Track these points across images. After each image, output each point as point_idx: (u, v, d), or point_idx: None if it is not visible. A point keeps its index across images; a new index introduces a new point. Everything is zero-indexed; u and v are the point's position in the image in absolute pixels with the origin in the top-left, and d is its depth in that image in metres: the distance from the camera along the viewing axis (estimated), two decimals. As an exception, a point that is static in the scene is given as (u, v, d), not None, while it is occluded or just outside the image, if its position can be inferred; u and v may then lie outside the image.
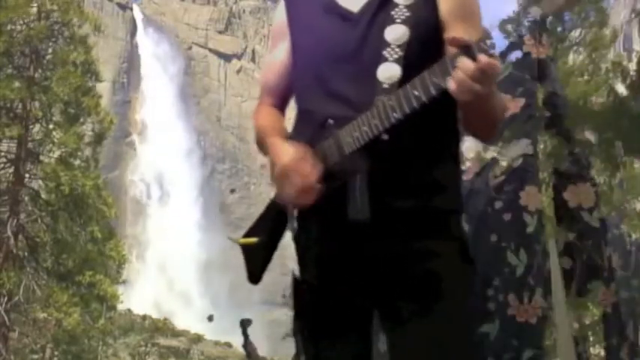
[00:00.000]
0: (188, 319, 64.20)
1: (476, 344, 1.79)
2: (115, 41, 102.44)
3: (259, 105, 2.10)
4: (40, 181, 22.23)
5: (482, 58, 1.53)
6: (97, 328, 22.64)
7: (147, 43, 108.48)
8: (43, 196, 21.87)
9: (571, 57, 19.81)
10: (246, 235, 2.04)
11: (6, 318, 20.43)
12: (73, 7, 22.80)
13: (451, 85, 1.57)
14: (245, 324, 12.05)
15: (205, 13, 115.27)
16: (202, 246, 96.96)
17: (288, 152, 1.78)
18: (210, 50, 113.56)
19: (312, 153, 1.77)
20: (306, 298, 2.02)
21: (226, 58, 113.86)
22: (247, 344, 12.25)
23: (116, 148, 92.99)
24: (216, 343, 59.81)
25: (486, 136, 1.94)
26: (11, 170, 22.26)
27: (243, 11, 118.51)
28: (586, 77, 18.67)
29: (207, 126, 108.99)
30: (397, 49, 1.76)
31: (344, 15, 1.84)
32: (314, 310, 1.97)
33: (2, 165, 22.60)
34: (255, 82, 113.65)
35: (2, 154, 22.61)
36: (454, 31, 1.75)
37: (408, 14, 1.78)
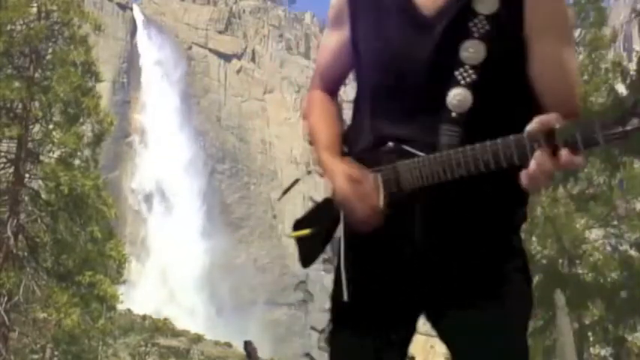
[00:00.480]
0: (188, 319, 64.20)
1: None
2: (115, 41, 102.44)
3: (312, 89, 1.95)
4: (40, 181, 22.23)
5: (564, 155, 1.41)
6: (97, 328, 22.63)
7: (147, 43, 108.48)
8: (43, 196, 21.87)
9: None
10: (299, 223, 2.00)
11: (6, 318, 20.43)
12: (73, 7, 22.78)
13: (523, 179, 1.46)
14: (248, 345, 12.16)
15: (205, 13, 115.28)
16: (202, 246, 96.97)
17: (344, 178, 1.66)
18: (210, 50, 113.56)
19: (371, 177, 1.65)
20: (349, 307, 1.80)
21: (226, 58, 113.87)
22: (247, 344, 12.30)
23: (116, 148, 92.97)
24: (216, 343, 59.81)
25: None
26: (11, 170, 22.25)
27: (243, 11, 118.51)
28: (586, 77, 18.68)
29: (207, 126, 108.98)
30: (471, 72, 1.60)
31: (418, 17, 1.65)
32: (359, 314, 1.81)
33: (2, 165, 22.60)
34: (255, 82, 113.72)
35: (2, 154, 22.61)
36: (541, 44, 1.59)
37: (487, 28, 1.59)
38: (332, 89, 1.97)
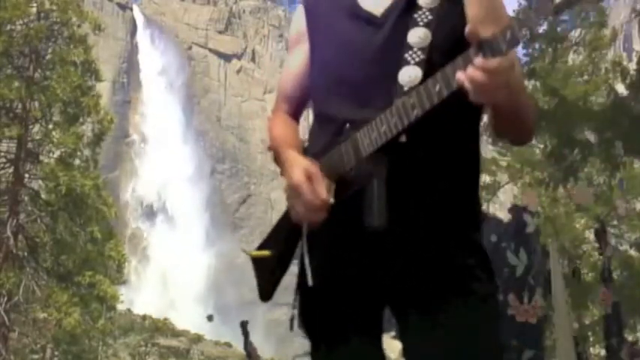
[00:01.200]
0: (188, 319, 64.18)
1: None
2: (115, 41, 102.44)
3: (274, 112, 2.02)
4: (40, 181, 22.23)
5: (491, 60, 1.50)
6: (97, 329, 22.63)
7: (147, 43, 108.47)
8: (43, 196, 21.86)
9: (571, 57, 19.79)
10: (260, 248, 1.94)
11: (6, 318, 20.42)
12: (73, 6, 22.77)
13: (459, 78, 1.53)
14: (245, 325, 12.06)
15: (205, 13, 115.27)
16: (202, 246, 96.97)
17: (298, 168, 1.72)
18: (210, 50, 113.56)
19: (323, 167, 1.73)
20: (315, 304, 1.95)
21: (226, 58, 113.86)
22: (248, 344, 12.26)
23: (116, 148, 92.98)
24: (216, 343, 59.81)
25: (520, 140, 1.93)
26: (11, 170, 22.25)
27: (243, 11, 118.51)
28: (586, 77, 18.68)
29: (207, 126, 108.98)
30: (419, 52, 1.72)
31: (367, 18, 1.80)
32: (323, 315, 1.94)
33: (2, 165, 22.60)
34: (255, 82, 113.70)
35: (2, 154, 22.61)
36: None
37: (430, 17, 1.74)
38: (295, 112, 2.03)
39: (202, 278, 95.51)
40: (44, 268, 21.73)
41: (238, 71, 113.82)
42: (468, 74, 1.52)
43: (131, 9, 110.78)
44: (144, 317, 55.62)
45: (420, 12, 1.75)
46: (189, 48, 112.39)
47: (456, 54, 1.62)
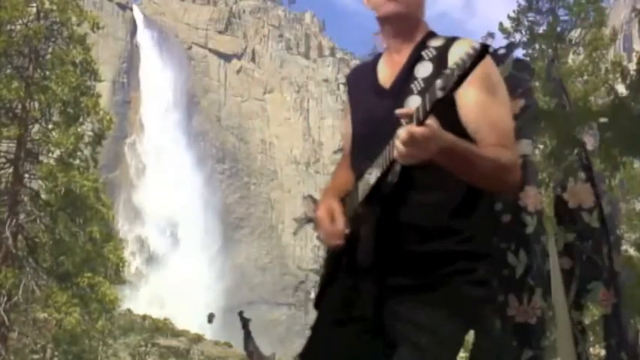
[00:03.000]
0: (188, 319, 64.21)
1: None
2: (115, 41, 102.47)
3: (338, 165, 2.55)
4: (40, 182, 22.21)
5: (408, 129, 1.87)
6: (97, 329, 22.63)
7: (147, 43, 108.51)
8: (43, 196, 21.84)
9: (571, 57, 19.78)
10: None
11: (5, 318, 20.42)
12: (72, 6, 22.76)
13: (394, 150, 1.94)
14: (245, 319, 12.02)
15: (205, 13, 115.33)
16: (202, 247, 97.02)
17: (323, 205, 2.28)
18: (210, 50, 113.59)
19: (345, 207, 2.23)
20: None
21: (226, 58, 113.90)
22: (249, 343, 12.24)
23: (116, 148, 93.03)
24: (216, 343, 59.83)
25: (490, 189, 2.22)
26: (10, 170, 22.23)
27: (243, 11, 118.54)
28: (586, 77, 18.68)
29: (207, 126, 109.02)
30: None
31: (381, 91, 2.26)
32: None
33: (1, 165, 22.58)
34: (255, 82, 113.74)
35: (1, 154, 22.59)
36: (462, 95, 2.09)
37: (423, 85, 2.12)
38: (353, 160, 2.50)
39: (202, 278, 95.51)
40: (44, 268, 21.71)
41: (238, 71, 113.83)
42: (396, 144, 1.91)
43: (131, 9, 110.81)
44: (144, 317, 55.62)
45: (415, 82, 2.16)
46: (189, 48, 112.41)
47: (445, 113, 1.98)
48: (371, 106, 2.27)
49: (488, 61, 2.16)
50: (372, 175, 2.10)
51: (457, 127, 2.08)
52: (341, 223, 2.19)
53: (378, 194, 2.11)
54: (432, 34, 2.29)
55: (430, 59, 2.19)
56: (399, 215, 2.11)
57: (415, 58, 2.21)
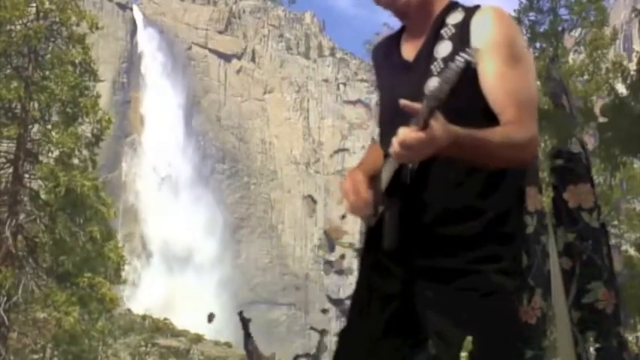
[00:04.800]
0: (188, 319, 64.19)
1: None
2: (115, 41, 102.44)
3: (372, 142, 2.56)
4: (39, 181, 22.20)
5: (401, 133, 1.89)
6: (96, 329, 22.63)
7: (147, 43, 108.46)
8: (42, 196, 21.83)
9: (571, 57, 19.77)
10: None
11: (5, 318, 20.40)
12: (71, 6, 22.75)
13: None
14: (245, 319, 12.04)
15: (205, 13, 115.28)
16: (202, 246, 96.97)
17: (349, 178, 2.31)
18: (210, 50, 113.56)
19: (375, 182, 2.25)
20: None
21: (226, 58, 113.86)
22: (249, 342, 12.25)
23: (116, 148, 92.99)
24: (216, 343, 59.83)
25: (502, 167, 2.17)
26: (10, 170, 22.22)
27: (243, 11, 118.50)
28: (587, 77, 18.66)
29: (207, 126, 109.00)
30: (431, 101, 2.02)
31: (403, 68, 2.26)
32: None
33: (1, 165, 22.57)
34: (255, 82, 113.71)
35: (1, 154, 22.58)
36: (482, 66, 2.06)
37: (442, 66, 2.10)
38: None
39: (202, 278, 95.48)
40: (44, 268, 21.70)
41: (238, 71, 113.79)
42: (393, 144, 1.93)
43: (131, 9, 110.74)
44: (144, 317, 55.63)
45: (435, 63, 2.15)
46: (189, 48, 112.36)
47: (467, 91, 1.99)
48: (395, 84, 2.27)
49: (510, 26, 2.18)
50: (391, 163, 2.13)
51: (481, 99, 2.10)
52: (364, 193, 2.22)
53: (400, 176, 2.13)
54: (452, 6, 2.26)
55: (449, 37, 2.17)
56: (423, 197, 2.12)
57: (434, 37, 2.20)
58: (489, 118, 2.08)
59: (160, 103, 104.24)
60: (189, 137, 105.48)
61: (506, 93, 2.09)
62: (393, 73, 2.31)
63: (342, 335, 2.36)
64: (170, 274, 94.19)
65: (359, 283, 2.35)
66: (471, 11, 2.19)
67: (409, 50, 2.27)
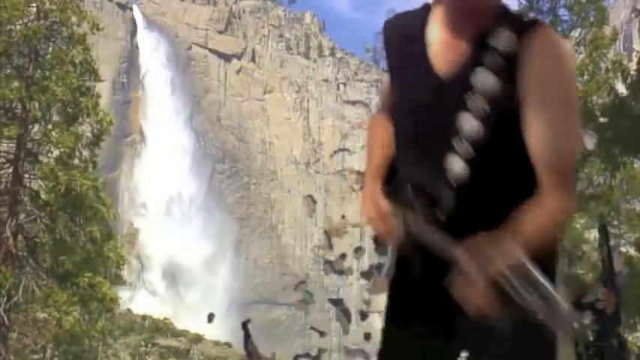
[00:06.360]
0: (188, 319, 64.19)
1: None
2: (115, 41, 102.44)
3: (378, 112, 2.27)
4: (40, 181, 22.20)
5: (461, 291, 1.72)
6: (97, 329, 22.63)
7: (147, 43, 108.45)
8: (43, 196, 21.83)
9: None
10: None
11: (5, 318, 20.41)
12: (72, 6, 22.75)
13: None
14: (246, 324, 12.07)
15: (205, 13, 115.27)
16: (202, 246, 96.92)
17: (369, 201, 2.08)
18: (210, 50, 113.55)
19: (391, 214, 2.03)
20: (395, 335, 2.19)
21: (226, 58, 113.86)
22: (249, 343, 12.26)
23: (116, 148, 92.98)
24: (216, 343, 59.80)
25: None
26: (10, 170, 22.22)
27: (243, 11, 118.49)
28: (586, 77, 18.65)
29: (207, 126, 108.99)
30: (467, 145, 1.85)
31: (434, 82, 1.92)
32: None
33: (1, 165, 22.57)
34: (255, 82, 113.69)
35: (1, 154, 22.58)
36: (529, 111, 1.79)
37: (476, 104, 1.83)
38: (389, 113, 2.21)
39: (202, 278, 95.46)
40: (44, 268, 21.71)
41: (238, 71, 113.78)
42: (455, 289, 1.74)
43: (131, 9, 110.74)
44: (144, 317, 55.62)
45: (469, 94, 1.83)
46: (189, 48, 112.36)
47: (506, 139, 1.81)
48: (422, 96, 1.94)
49: (569, 63, 1.88)
50: (421, 205, 1.93)
51: (521, 145, 1.83)
52: (391, 224, 2.01)
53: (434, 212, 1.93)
54: (500, 20, 1.87)
55: (494, 70, 1.82)
56: (463, 223, 1.89)
57: (475, 60, 1.85)
58: (524, 168, 1.84)
59: (160, 103, 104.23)
60: (190, 137, 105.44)
61: (553, 153, 1.82)
62: (420, 82, 1.96)
63: None
64: (169, 274, 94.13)
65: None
66: (523, 32, 1.83)
67: (440, 61, 1.91)
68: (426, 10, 2.01)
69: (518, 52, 1.81)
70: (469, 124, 1.81)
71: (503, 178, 1.88)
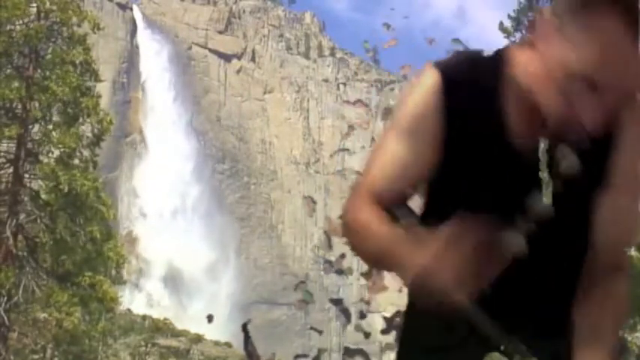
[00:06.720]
0: (188, 319, 64.21)
1: None
2: (115, 41, 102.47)
3: (368, 205, 1.68)
4: (40, 181, 22.21)
5: None
6: (97, 329, 22.64)
7: (147, 43, 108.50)
8: (43, 196, 21.83)
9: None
10: None
11: (5, 318, 20.41)
12: (72, 6, 22.75)
13: None
14: (246, 325, 12.05)
15: (205, 13, 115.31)
16: (203, 246, 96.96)
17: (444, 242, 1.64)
18: (210, 50, 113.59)
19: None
20: None
21: (226, 58, 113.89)
22: (248, 344, 12.24)
23: (116, 148, 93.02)
24: (216, 343, 59.82)
25: None
26: (10, 170, 22.23)
27: (243, 11, 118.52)
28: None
29: (207, 126, 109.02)
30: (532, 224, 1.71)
31: (511, 155, 1.63)
32: None
33: (1, 165, 22.58)
34: (255, 82, 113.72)
35: (2, 154, 22.59)
36: (606, 196, 1.66)
37: (554, 194, 1.63)
38: (393, 202, 1.69)
39: (202, 278, 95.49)
40: (44, 268, 21.71)
41: (238, 71, 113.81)
42: None
43: (131, 9, 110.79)
44: (144, 317, 55.65)
45: (549, 176, 1.62)
46: (189, 48, 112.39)
47: (572, 222, 1.66)
48: (496, 168, 1.64)
49: None
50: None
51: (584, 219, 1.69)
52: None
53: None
54: None
55: (580, 153, 1.59)
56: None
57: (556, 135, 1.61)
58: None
59: (160, 103, 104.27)
60: (190, 137, 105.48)
61: (620, 234, 1.70)
62: (495, 152, 1.61)
63: None
64: (169, 274, 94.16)
65: None
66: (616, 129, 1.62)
67: (520, 125, 1.61)
68: (497, 79, 1.64)
69: (611, 131, 1.59)
70: (535, 202, 1.63)
71: (560, 252, 1.73)
